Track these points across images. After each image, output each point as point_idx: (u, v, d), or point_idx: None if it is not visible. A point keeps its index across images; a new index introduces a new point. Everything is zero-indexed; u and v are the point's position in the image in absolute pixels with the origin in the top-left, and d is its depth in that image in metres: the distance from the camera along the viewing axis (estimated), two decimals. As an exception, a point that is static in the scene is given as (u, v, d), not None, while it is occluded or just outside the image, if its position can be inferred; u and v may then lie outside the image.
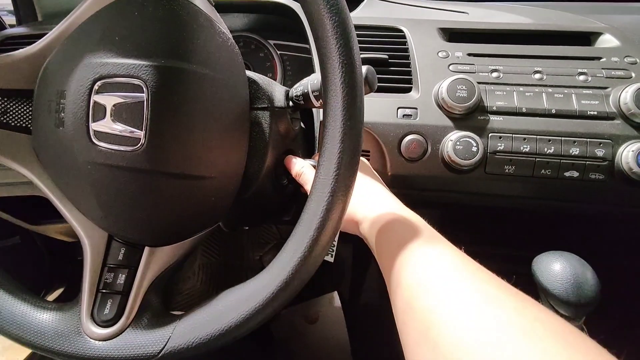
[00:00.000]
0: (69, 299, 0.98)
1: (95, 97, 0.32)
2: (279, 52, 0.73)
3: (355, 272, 1.12)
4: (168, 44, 0.34)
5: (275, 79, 0.73)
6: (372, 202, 0.40)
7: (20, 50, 0.37)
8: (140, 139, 0.32)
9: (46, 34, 0.60)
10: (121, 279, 0.36)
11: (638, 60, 0.54)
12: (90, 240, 0.36)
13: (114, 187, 0.34)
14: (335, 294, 1.15)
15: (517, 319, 0.23)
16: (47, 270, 0.99)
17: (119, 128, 0.32)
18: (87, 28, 0.35)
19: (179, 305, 1.12)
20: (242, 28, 0.75)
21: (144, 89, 0.32)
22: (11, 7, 0.79)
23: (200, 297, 1.12)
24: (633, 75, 0.53)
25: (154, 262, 0.37)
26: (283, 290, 0.32)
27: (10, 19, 0.82)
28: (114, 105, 0.32)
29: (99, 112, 0.32)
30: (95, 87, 0.33)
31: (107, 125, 0.32)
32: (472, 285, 0.27)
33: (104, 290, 0.35)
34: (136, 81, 0.32)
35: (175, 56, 0.34)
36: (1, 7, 1.21)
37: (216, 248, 1.13)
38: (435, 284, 0.28)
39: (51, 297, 1.04)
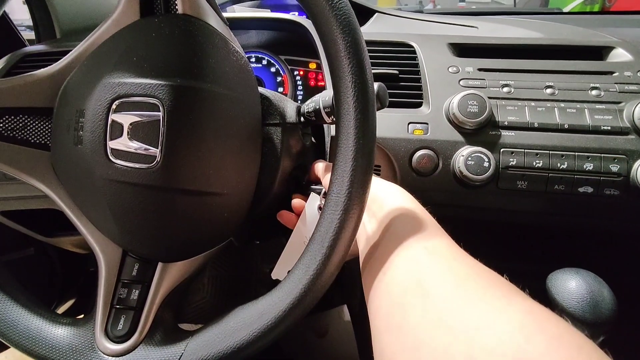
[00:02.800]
0: (80, 310, 0.99)
1: (113, 116, 0.33)
2: (289, 67, 0.74)
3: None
4: (184, 64, 0.35)
5: (285, 93, 0.74)
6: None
7: (42, 69, 0.38)
8: (156, 156, 0.33)
9: (64, 51, 0.62)
10: (135, 294, 0.36)
11: None
12: (105, 256, 0.37)
13: (130, 204, 0.34)
14: (345, 307, 1.14)
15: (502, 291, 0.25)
16: (59, 282, 0.99)
17: (135, 146, 0.33)
18: (106, 49, 0.36)
19: (188, 318, 1.12)
20: (254, 45, 0.76)
21: (160, 107, 0.33)
22: (30, 23, 0.82)
23: (210, 310, 1.12)
24: None
25: (167, 277, 0.37)
26: (295, 308, 0.32)
27: (28, 34, 0.85)
28: (130, 124, 0.33)
29: (117, 130, 0.33)
30: (113, 106, 0.33)
31: (123, 143, 0.33)
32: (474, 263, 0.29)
33: (117, 306, 0.36)
34: (153, 100, 0.33)
35: (190, 76, 0.34)
36: (19, 22, 1.25)
37: (225, 260, 1.13)
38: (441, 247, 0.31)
39: (62, 309, 1.05)
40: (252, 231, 0.54)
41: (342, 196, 0.31)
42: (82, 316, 0.38)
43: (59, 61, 0.38)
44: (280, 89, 0.73)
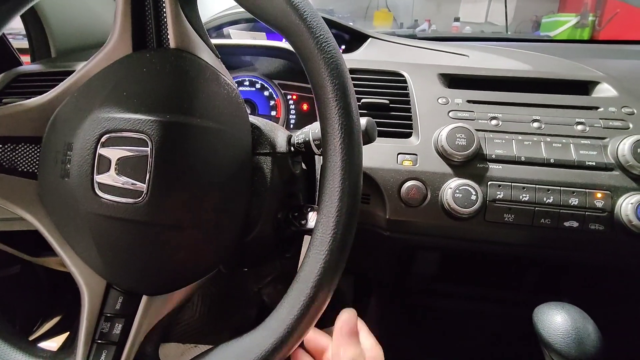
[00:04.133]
0: (66, 327, 0.97)
1: (100, 151, 0.33)
2: (282, 91, 0.75)
3: (356, 306, 1.10)
4: (174, 99, 0.35)
5: (278, 117, 0.74)
6: None
7: (31, 99, 0.39)
8: (143, 191, 0.33)
9: (58, 72, 0.62)
10: (117, 328, 0.36)
11: (635, 111, 0.55)
12: (89, 288, 0.37)
13: (115, 238, 0.34)
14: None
15: None
16: (46, 299, 0.98)
17: (122, 181, 0.33)
18: (97, 82, 0.36)
19: (177, 336, 1.11)
20: (247, 68, 0.77)
21: (149, 143, 0.33)
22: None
23: (198, 328, 1.10)
24: (631, 126, 0.53)
25: (151, 310, 0.37)
26: (279, 348, 0.32)
27: (24, 43, 0.84)
28: (118, 159, 0.33)
29: (104, 165, 0.33)
30: (102, 140, 0.34)
31: (111, 177, 0.33)
32: None
33: (99, 341, 0.35)
34: (141, 136, 0.33)
35: (180, 111, 0.35)
36: (17, 32, 1.25)
37: (215, 279, 1.12)
38: None
39: (48, 325, 1.03)
40: (240, 259, 0.54)
41: (327, 236, 0.32)
42: (63, 340, 0.37)
43: (50, 91, 0.38)
44: (273, 113, 0.74)
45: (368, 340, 0.41)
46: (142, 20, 0.38)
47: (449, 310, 0.86)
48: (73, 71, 0.39)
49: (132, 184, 0.33)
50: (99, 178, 0.33)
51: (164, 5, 0.37)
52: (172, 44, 0.37)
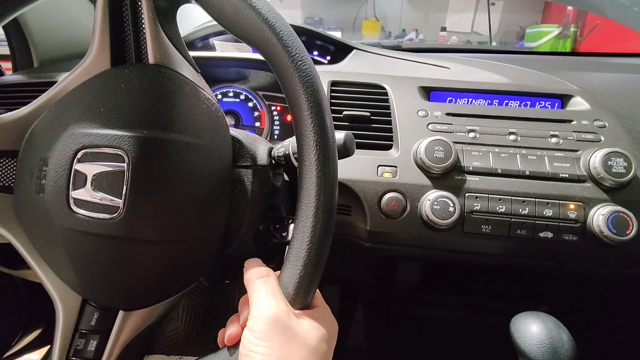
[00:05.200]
0: (47, 340, 0.96)
1: (76, 166, 0.33)
2: (267, 103, 0.75)
3: (343, 316, 1.10)
4: (151, 115, 0.35)
5: (263, 128, 0.75)
6: None
7: (8, 113, 0.38)
8: (119, 207, 0.33)
9: (40, 82, 0.61)
10: (92, 345, 0.36)
11: (607, 124, 0.57)
12: (64, 304, 0.36)
13: (91, 254, 0.34)
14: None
15: None
16: (26, 311, 0.96)
17: (98, 196, 0.33)
18: (74, 97, 0.37)
19: (161, 348, 1.09)
20: (232, 79, 0.78)
21: (125, 159, 0.33)
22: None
23: (183, 340, 1.09)
24: (602, 138, 0.55)
25: (127, 326, 0.37)
26: None
27: (4, 50, 0.83)
28: (94, 174, 0.33)
29: (80, 180, 0.33)
30: (78, 155, 0.34)
31: (87, 193, 0.33)
32: None
33: (73, 358, 0.35)
34: (118, 151, 0.33)
35: (157, 126, 0.35)
36: (1, 38, 1.24)
37: (201, 289, 1.11)
38: None
39: (29, 339, 1.01)
40: (221, 272, 0.53)
41: (302, 251, 0.32)
42: (44, 353, 0.37)
43: (27, 105, 0.38)
44: (258, 124, 0.75)
45: (328, 315, 0.37)
46: (121, 35, 0.38)
47: (432, 318, 0.87)
48: (55, 82, 0.39)
49: (109, 199, 0.33)
50: (74, 194, 0.33)
51: (142, 21, 0.37)
52: (151, 59, 0.38)
